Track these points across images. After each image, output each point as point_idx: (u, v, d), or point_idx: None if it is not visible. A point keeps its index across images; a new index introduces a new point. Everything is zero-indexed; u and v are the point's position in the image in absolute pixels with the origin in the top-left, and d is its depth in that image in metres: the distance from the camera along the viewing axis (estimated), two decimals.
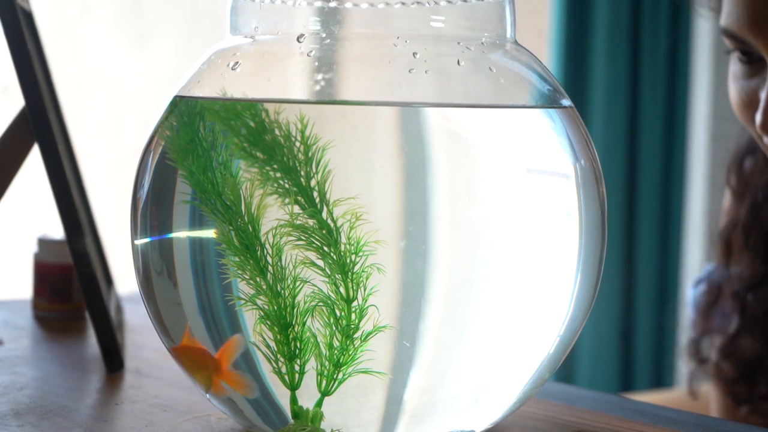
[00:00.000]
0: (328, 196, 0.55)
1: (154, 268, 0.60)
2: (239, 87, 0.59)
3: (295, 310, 0.56)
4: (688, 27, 2.34)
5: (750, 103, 0.87)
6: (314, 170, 0.55)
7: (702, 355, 1.08)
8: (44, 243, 0.95)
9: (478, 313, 0.57)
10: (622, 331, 2.33)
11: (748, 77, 0.88)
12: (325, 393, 0.58)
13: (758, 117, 0.84)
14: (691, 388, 1.10)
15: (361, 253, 0.55)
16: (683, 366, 1.14)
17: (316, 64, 0.59)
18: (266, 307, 0.57)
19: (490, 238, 0.57)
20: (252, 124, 0.56)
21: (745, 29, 0.85)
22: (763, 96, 0.84)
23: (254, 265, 0.56)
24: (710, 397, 1.08)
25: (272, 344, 0.57)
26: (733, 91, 0.89)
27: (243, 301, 0.57)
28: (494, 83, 0.60)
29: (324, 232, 0.55)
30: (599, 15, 2.25)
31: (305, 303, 0.56)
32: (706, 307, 1.07)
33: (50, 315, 0.94)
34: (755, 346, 1.00)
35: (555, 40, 2.24)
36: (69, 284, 0.94)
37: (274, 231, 0.56)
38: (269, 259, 0.56)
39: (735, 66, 0.89)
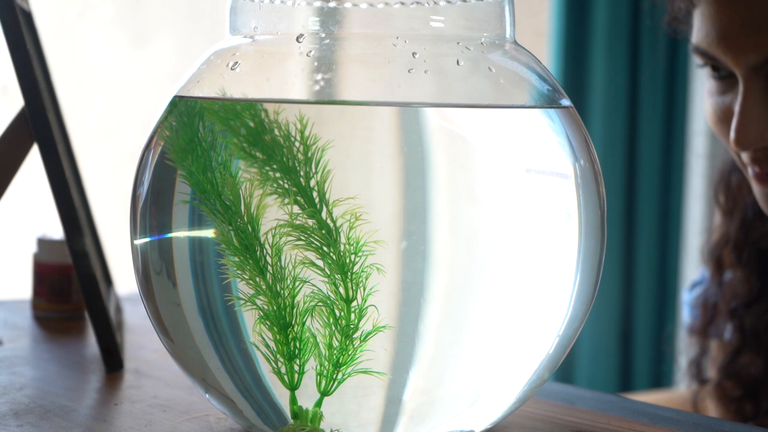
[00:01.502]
0: (327, 196, 0.55)
1: (153, 268, 0.60)
2: (238, 87, 0.59)
3: (294, 310, 0.56)
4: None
5: (725, 118, 0.88)
6: (314, 170, 0.55)
7: (703, 376, 1.08)
8: (44, 243, 0.95)
9: (478, 313, 0.57)
10: (621, 331, 2.33)
11: (722, 93, 0.88)
12: (324, 393, 0.58)
13: (732, 134, 0.85)
14: (696, 408, 1.10)
15: (360, 253, 0.55)
16: (682, 364, 1.14)
17: (316, 64, 0.59)
18: (266, 307, 0.57)
19: (490, 238, 0.57)
20: (251, 124, 0.56)
21: (714, 46, 0.85)
22: (736, 110, 0.85)
23: (254, 265, 0.56)
24: (710, 413, 1.08)
25: (272, 344, 0.57)
26: (709, 107, 0.90)
27: (242, 301, 0.57)
28: (493, 83, 0.60)
29: (323, 232, 0.55)
30: (599, 15, 2.25)
31: (305, 303, 0.56)
32: (703, 325, 1.07)
33: (50, 315, 0.94)
34: (757, 362, 1.00)
35: (554, 40, 2.24)
36: (68, 284, 0.94)
37: (273, 231, 0.56)
38: (269, 259, 0.56)
39: (709, 82, 0.90)
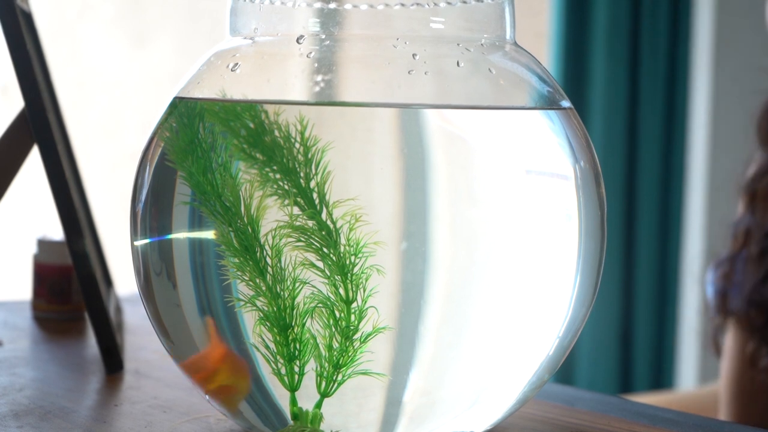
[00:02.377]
0: (327, 197, 0.55)
1: (153, 269, 0.60)
2: (239, 88, 0.59)
3: (294, 312, 0.56)
4: (687, 27, 2.34)
5: None
6: (314, 171, 0.55)
7: (728, 307, 1.10)
8: (44, 244, 0.95)
9: (478, 315, 0.57)
10: (621, 333, 2.33)
11: None
12: (324, 394, 0.58)
13: None
14: (716, 343, 1.12)
15: (360, 255, 0.55)
16: (688, 358, 1.15)
17: (316, 65, 0.59)
18: (266, 308, 0.57)
19: (490, 239, 0.57)
20: (251, 125, 0.56)
21: None
22: None
23: (254, 267, 0.56)
24: (726, 350, 1.09)
25: (272, 345, 0.57)
26: None
27: (242, 303, 0.57)
28: (494, 84, 0.60)
29: (323, 233, 0.55)
30: (599, 16, 2.25)
31: (305, 304, 0.56)
32: (733, 255, 1.09)
33: (50, 316, 0.94)
34: None
35: (554, 41, 2.24)
36: (68, 285, 0.94)
37: (273, 232, 0.56)
38: (269, 260, 0.56)
39: None
